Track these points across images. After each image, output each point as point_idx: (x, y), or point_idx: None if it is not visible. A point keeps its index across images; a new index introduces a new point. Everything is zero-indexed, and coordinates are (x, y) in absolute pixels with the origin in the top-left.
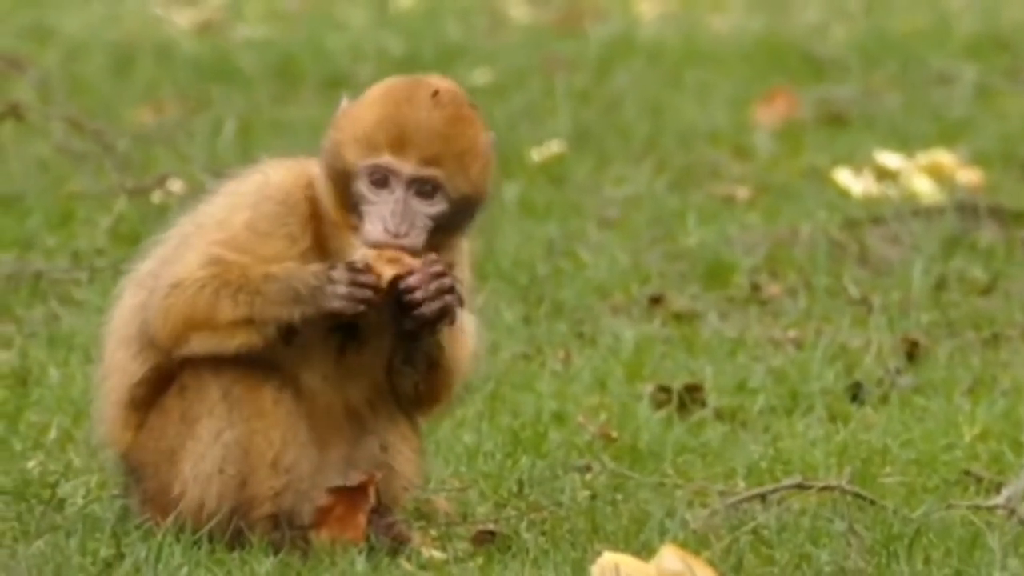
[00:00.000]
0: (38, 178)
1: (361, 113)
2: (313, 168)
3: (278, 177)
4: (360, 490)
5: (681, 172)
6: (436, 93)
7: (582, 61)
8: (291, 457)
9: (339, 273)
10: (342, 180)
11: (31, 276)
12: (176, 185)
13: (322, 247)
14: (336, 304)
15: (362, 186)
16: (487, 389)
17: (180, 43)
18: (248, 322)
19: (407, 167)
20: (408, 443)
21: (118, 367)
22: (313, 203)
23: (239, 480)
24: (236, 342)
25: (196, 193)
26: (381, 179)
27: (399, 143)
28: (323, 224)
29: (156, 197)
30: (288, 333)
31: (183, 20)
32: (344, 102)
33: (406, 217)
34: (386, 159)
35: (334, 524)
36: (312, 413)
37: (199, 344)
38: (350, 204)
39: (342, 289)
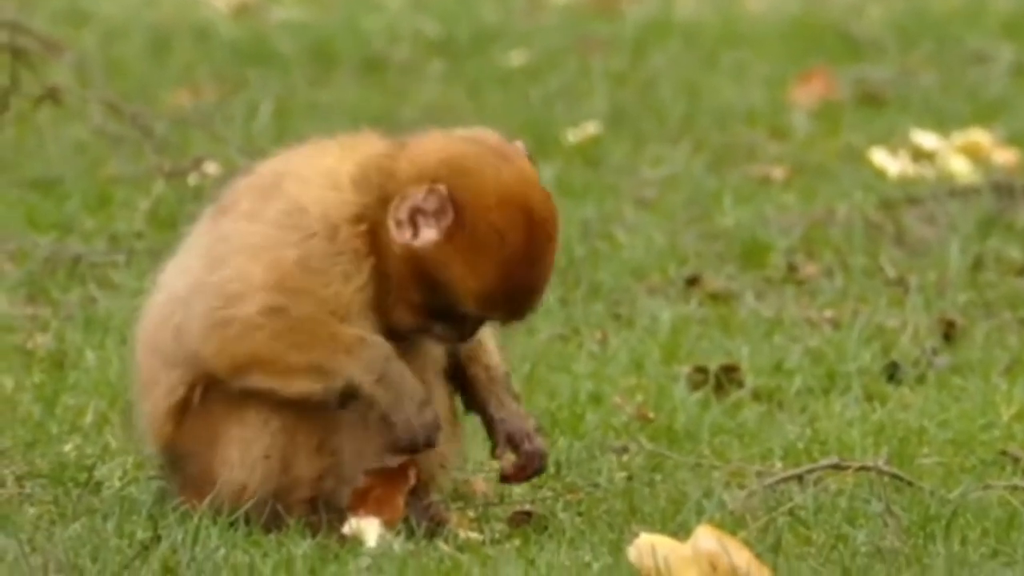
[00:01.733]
0: (76, 161)
1: (484, 263)
2: (359, 195)
3: (317, 208)
4: (400, 471)
5: (717, 152)
6: (551, 239)
7: (618, 42)
8: (335, 441)
9: (433, 422)
10: (442, 306)
11: (69, 259)
12: (212, 168)
13: (381, 283)
14: (405, 432)
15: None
16: (524, 370)
17: (217, 26)
18: (318, 371)
19: (518, 317)
20: (446, 422)
21: (155, 379)
22: (370, 240)
23: (283, 464)
24: (295, 388)
25: (231, 175)
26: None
27: (518, 306)
28: (384, 262)
29: (193, 180)
30: (349, 397)
31: (220, 2)
32: (445, 203)
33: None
34: (500, 314)
35: (372, 505)
36: None
37: (258, 381)
38: (436, 305)
39: (420, 433)
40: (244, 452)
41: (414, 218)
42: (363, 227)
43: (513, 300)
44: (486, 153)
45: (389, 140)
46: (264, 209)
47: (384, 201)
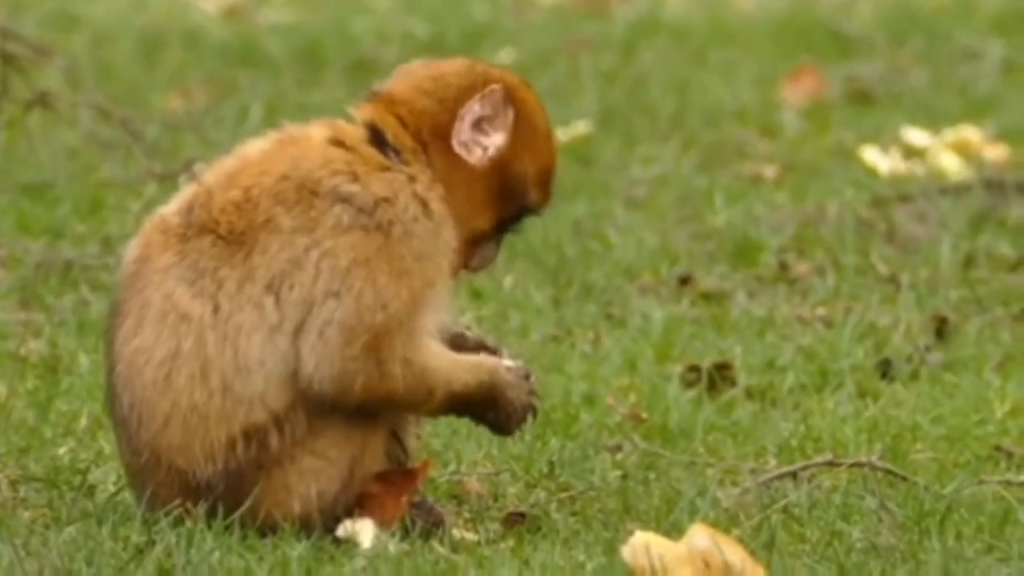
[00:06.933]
0: (67, 166)
1: (543, 148)
2: (418, 170)
3: (407, 188)
4: (410, 475)
5: (708, 151)
6: None
7: (608, 41)
8: (400, 444)
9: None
10: (513, 210)
11: (62, 264)
12: (203, 170)
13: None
14: (518, 420)
15: (510, 223)
16: None
17: (207, 29)
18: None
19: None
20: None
21: (209, 410)
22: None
23: (351, 472)
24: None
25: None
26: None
27: (554, 181)
28: (458, 206)
29: (184, 183)
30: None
31: (209, 6)
32: (504, 99)
33: None
34: (548, 196)
35: (372, 507)
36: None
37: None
38: (504, 215)
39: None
40: (319, 473)
41: (476, 132)
42: (441, 193)
43: (554, 174)
44: (463, 59)
45: (332, 120)
46: (323, 217)
47: (421, 150)
